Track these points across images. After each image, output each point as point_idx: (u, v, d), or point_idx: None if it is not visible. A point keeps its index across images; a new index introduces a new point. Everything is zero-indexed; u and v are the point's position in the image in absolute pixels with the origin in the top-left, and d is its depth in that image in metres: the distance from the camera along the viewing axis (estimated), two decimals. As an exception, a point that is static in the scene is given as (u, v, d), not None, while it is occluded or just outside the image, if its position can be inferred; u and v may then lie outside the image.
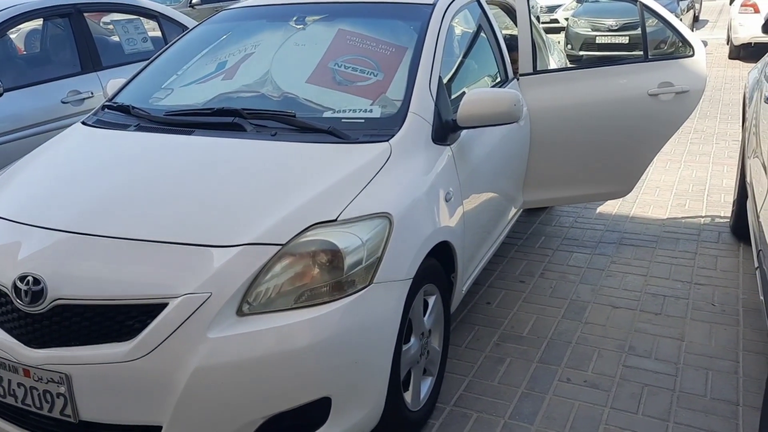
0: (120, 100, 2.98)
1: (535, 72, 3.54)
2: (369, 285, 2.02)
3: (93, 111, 3.00)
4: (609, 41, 11.23)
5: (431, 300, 2.49)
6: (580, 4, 12.48)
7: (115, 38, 4.95)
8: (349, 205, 2.11)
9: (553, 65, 4.18)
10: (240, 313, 1.91)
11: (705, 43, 12.69)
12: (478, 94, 2.62)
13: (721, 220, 4.40)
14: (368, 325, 2.00)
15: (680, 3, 12.66)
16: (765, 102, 3.25)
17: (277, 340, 1.88)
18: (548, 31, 10.35)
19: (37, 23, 4.70)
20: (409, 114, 2.52)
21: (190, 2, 11.00)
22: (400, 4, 3.09)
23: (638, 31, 4.03)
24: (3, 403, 2.10)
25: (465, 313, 3.33)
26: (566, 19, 12.63)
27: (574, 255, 3.97)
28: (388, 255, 2.08)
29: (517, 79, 3.53)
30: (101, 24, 5.90)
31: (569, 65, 4.34)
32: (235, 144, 2.44)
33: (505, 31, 4.18)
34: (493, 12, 3.64)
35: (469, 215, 2.73)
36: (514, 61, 3.59)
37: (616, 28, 11.16)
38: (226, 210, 2.09)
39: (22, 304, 1.97)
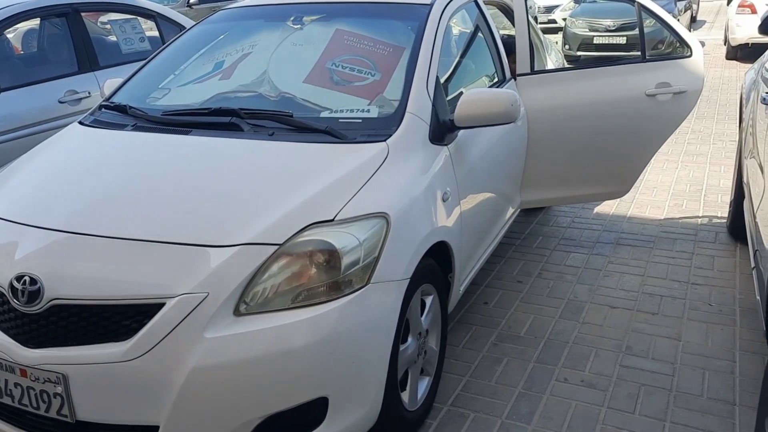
0: (117, 99, 2.98)
1: (533, 72, 3.54)
2: (366, 285, 2.02)
3: (90, 111, 3.00)
4: (607, 42, 11.24)
5: (428, 300, 2.49)
6: (577, 5, 12.49)
7: (113, 38, 4.94)
8: (346, 205, 2.11)
9: (550, 65, 4.18)
10: (237, 313, 1.91)
11: (702, 44, 12.72)
12: (476, 95, 2.62)
13: (718, 221, 4.41)
14: (365, 325, 2.01)
15: (678, 3, 12.68)
16: (762, 102, 3.26)
17: (275, 340, 1.88)
18: (546, 31, 10.35)
19: (34, 23, 4.70)
20: (406, 114, 2.52)
21: (188, 2, 10.99)
22: (397, 4, 3.09)
23: (636, 31, 4.02)
24: (0, 403, 2.09)
25: (462, 313, 3.33)
26: (564, 19, 12.64)
27: (572, 255, 3.98)
28: (385, 255, 2.08)
29: (515, 80, 3.53)
30: (98, 24, 5.89)
31: (567, 65, 4.35)
32: (233, 144, 2.44)
33: (502, 32, 4.18)
34: (490, 12, 3.65)
35: (467, 215, 2.73)
36: (512, 62, 3.60)
37: (613, 28, 11.17)
38: (223, 210, 2.09)
39: (19, 304, 1.96)
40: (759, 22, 3.72)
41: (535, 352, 2.98)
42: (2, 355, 2.00)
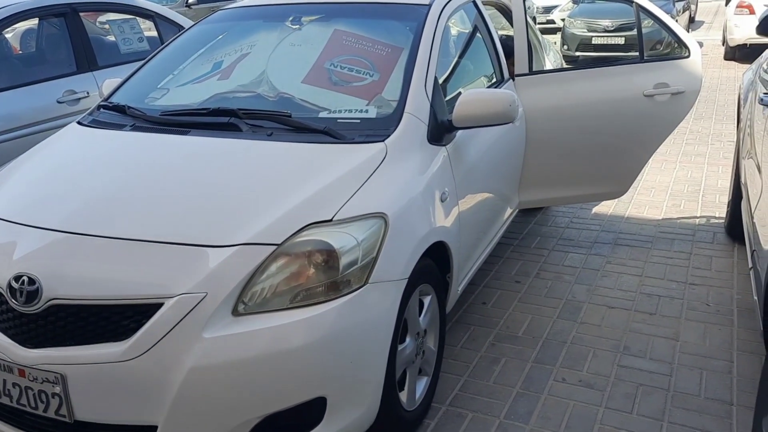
0: (116, 99, 2.98)
1: (531, 73, 3.55)
2: (364, 285, 2.03)
3: (88, 111, 3.00)
4: (605, 42, 11.25)
5: (427, 300, 2.49)
6: (576, 5, 12.50)
7: (111, 38, 4.94)
8: (344, 205, 2.11)
9: (548, 66, 4.18)
10: (235, 313, 1.91)
11: (701, 44, 12.73)
12: (474, 95, 2.62)
13: (716, 221, 4.41)
14: (363, 325, 2.01)
15: (676, 4, 12.69)
16: (759, 103, 3.26)
17: (273, 340, 1.89)
18: (545, 31, 10.38)
19: (33, 23, 4.69)
20: (404, 114, 2.53)
21: (187, 2, 10.98)
22: (396, 4, 3.09)
23: (634, 32, 4.03)
24: (-2, 403, 2.10)
25: (460, 313, 3.33)
26: (562, 19, 12.65)
27: (570, 255, 3.98)
28: (383, 255, 2.09)
29: (513, 80, 3.54)
30: (97, 24, 5.88)
31: (565, 66, 4.35)
32: (231, 144, 2.44)
33: (501, 32, 4.18)
34: (489, 13, 3.65)
35: (465, 215, 2.74)
36: (510, 62, 3.60)
37: (612, 29, 11.18)
38: (221, 210, 2.09)
39: (17, 304, 1.96)
40: (757, 23, 3.72)
41: (533, 352, 2.98)
42: (0, 355, 2.00)
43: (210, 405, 1.89)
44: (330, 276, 1.98)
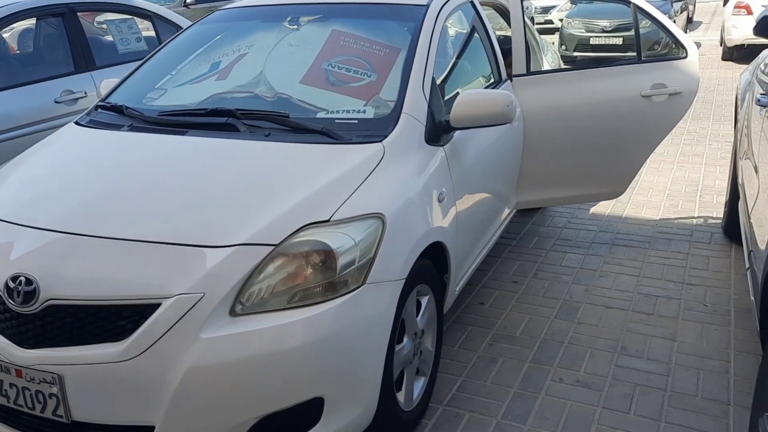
0: (113, 100, 2.98)
1: (529, 73, 3.55)
2: (362, 285, 2.03)
3: (86, 111, 3.00)
4: (603, 42, 11.27)
5: (424, 300, 2.49)
6: (574, 5, 12.51)
7: (109, 38, 4.94)
8: (342, 206, 2.12)
9: (546, 66, 4.19)
10: (233, 313, 1.91)
11: (698, 45, 12.75)
12: (471, 95, 2.63)
13: (714, 221, 4.42)
14: (361, 326, 2.01)
15: (674, 4, 12.71)
16: (756, 104, 3.27)
17: (270, 341, 1.89)
18: (543, 32, 10.37)
19: (30, 22, 4.69)
20: (402, 115, 2.53)
21: (185, 2, 10.97)
22: (393, 5, 3.10)
23: (632, 32, 4.03)
24: (-5, 403, 2.09)
25: (458, 314, 3.34)
26: (561, 20, 12.67)
27: (567, 255, 3.99)
28: (380, 255, 2.09)
29: (511, 80, 3.54)
30: (95, 24, 5.88)
31: (564, 66, 4.35)
32: (229, 144, 2.44)
33: (499, 32, 4.19)
34: (486, 13, 3.65)
35: (462, 216, 2.74)
36: (508, 63, 3.60)
37: (610, 29, 11.19)
38: (219, 210, 2.09)
39: (14, 305, 1.96)
40: (754, 24, 3.73)
41: (531, 352, 2.99)
42: (-2, 355, 2.00)
43: (207, 405, 1.89)
44: (327, 276, 1.98)
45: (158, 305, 1.88)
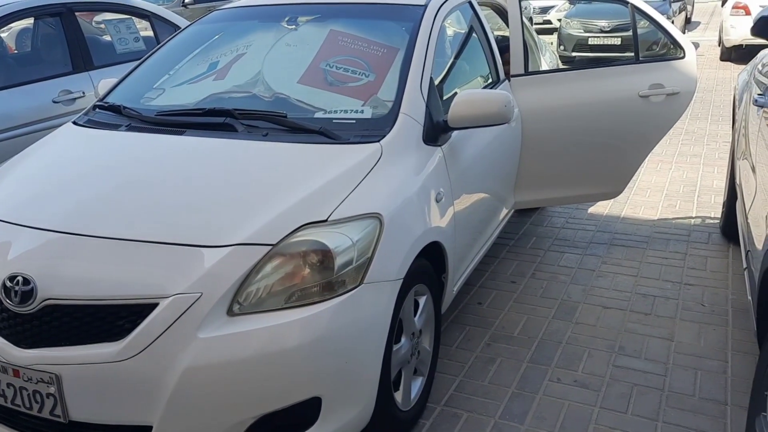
0: (111, 99, 2.98)
1: (527, 73, 3.56)
2: (359, 285, 2.03)
3: (84, 111, 3.00)
4: (601, 42, 11.29)
5: (422, 300, 2.49)
6: (572, 6, 12.53)
7: (107, 38, 4.94)
8: (339, 206, 2.12)
9: (544, 66, 4.19)
10: (230, 313, 1.91)
11: (697, 45, 12.76)
12: (469, 95, 2.63)
13: (711, 221, 4.43)
14: (359, 325, 2.01)
15: (672, 4, 12.72)
16: (753, 104, 3.27)
17: (268, 340, 1.89)
18: (541, 32, 10.39)
19: (28, 22, 4.69)
20: (400, 115, 2.53)
21: (183, 2, 10.97)
22: (391, 5, 3.10)
23: (630, 32, 4.03)
24: (-7, 403, 2.09)
25: (456, 314, 3.34)
26: (559, 20, 12.68)
27: (565, 255, 3.99)
28: (378, 255, 2.09)
29: (509, 80, 3.54)
30: (93, 23, 5.88)
31: (562, 66, 4.36)
32: (227, 144, 2.44)
33: (497, 33, 4.19)
34: (485, 13, 3.65)
35: (460, 216, 2.74)
36: (506, 63, 3.61)
37: (608, 29, 11.21)
38: (216, 210, 2.09)
39: (12, 304, 1.96)
40: (752, 24, 3.73)
41: (529, 352, 2.99)
42: (-5, 355, 2.00)
43: (205, 405, 1.89)
44: (325, 276, 1.98)
45: (156, 305, 1.88)
